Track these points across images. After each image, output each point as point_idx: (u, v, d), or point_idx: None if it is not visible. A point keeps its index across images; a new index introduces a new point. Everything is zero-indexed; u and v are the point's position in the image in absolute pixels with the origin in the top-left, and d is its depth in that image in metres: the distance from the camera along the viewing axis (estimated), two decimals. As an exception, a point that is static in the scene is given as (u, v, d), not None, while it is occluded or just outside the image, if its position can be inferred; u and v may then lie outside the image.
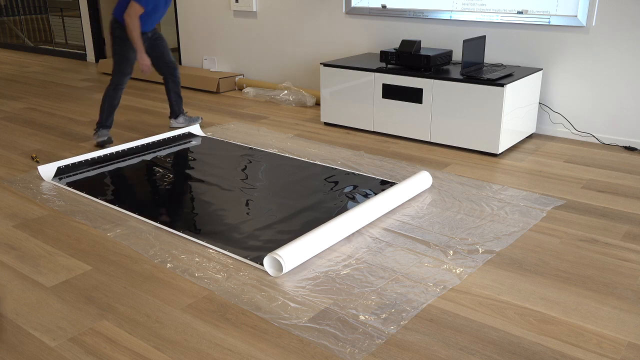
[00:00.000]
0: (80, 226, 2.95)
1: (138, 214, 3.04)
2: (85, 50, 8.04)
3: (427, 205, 3.14)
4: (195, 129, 4.52)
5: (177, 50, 6.80)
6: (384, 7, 4.87)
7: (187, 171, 3.71)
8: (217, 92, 5.96)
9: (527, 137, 4.33)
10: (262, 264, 2.51)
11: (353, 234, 2.83)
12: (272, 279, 2.42)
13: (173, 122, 4.72)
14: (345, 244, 2.72)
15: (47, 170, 3.62)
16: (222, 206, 3.18)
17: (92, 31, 7.79)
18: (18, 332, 2.07)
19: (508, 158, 3.91)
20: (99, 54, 7.82)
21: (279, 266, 2.46)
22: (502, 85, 3.75)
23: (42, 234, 2.86)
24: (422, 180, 3.28)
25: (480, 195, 3.27)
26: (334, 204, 3.16)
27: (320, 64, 4.65)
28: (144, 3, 3.98)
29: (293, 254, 2.45)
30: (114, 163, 3.87)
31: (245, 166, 3.81)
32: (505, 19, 4.31)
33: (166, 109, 5.36)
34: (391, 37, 4.88)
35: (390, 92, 4.29)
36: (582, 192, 3.31)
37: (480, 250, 2.64)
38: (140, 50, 4.07)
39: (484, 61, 4.50)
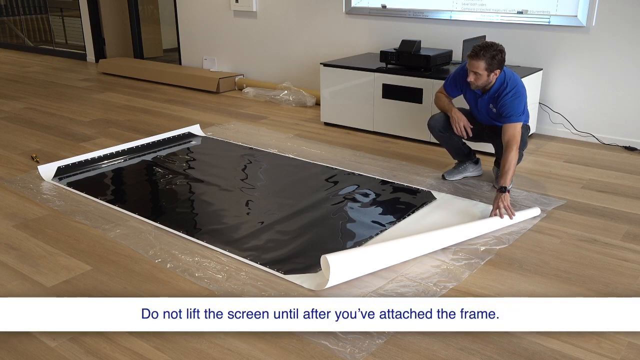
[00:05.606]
0: (80, 226, 2.95)
1: (138, 214, 3.04)
2: (85, 50, 8.04)
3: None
4: (195, 129, 4.52)
5: (177, 50, 6.80)
6: (384, 7, 4.87)
7: (187, 171, 3.71)
8: (217, 92, 5.96)
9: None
10: (262, 264, 2.51)
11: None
12: (272, 278, 2.42)
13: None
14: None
15: (47, 170, 3.62)
16: (222, 206, 3.18)
17: (92, 31, 7.78)
18: (18, 332, 2.07)
19: (508, 158, 3.90)
20: (99, 54, 7.82)
21: (325, 275, 2.35)
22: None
23: (42, 234, 2.86)
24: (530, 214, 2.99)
25: (480, 196, 3.26)
26: (334, 204, 3.16)
27: (320, 64, 4.65)
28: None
29: (344, 271, 2.35)
30: (114, 163, 3.87)
31: (245, 166, 3.80)
32: (505, 19, 4.30)
33: (166, 108, 5.36)
34: (391, 37, 4.88)
35: (390, 92, 4.28)
36: (582, 192, 3.31)
37: (481, 250, 2.64)
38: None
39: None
